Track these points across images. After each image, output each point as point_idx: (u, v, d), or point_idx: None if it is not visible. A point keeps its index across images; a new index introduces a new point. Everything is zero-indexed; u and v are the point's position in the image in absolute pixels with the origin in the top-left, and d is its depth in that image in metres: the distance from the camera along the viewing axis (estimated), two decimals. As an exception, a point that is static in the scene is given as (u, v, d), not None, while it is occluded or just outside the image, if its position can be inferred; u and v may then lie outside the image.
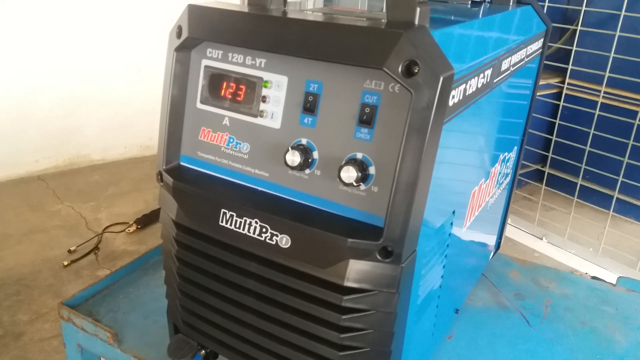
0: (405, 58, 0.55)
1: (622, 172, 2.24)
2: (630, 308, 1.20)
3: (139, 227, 2.63)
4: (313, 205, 0.66)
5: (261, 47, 0.65)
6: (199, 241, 0.73)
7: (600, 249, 2.36)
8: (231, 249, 0.70)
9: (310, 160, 0.65)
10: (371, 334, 0.65)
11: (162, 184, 0.75)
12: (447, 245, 0.79)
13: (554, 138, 2.52)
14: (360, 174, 0.61)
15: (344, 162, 0.63)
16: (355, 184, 0.61)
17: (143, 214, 2.70)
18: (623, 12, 2.13)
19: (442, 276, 0.81)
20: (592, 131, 2.30)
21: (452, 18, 0.82)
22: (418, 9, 0.59)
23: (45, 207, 2.83)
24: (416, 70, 0.55)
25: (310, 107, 0.65)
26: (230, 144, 0.72)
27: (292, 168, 0.65)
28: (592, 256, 2.39)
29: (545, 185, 2.58)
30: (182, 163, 0.76)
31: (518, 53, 0.92)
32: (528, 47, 0.99)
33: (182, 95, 0.74)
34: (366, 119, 0.61)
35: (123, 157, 3.47)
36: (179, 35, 0.70)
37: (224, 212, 0.68)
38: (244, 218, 0.67)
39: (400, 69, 0.55)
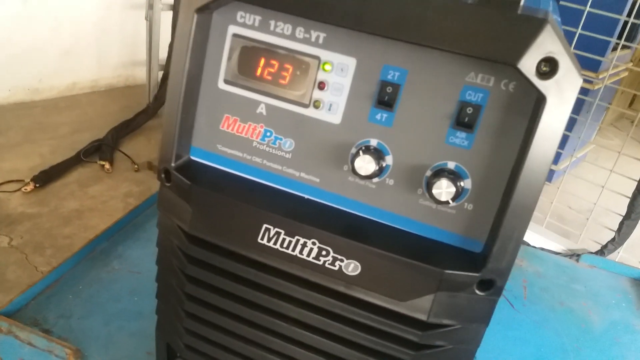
0: (545, 54, 0.44)
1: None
2: (596, 285, 1.23)
3: (37, 185, 2.31)
4: (383, 222, 0.54)
5: (328, 19, 0.50)
6: (224, 259, 0.58)
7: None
8: (271, 271, 0.56)
9: (383, 165, 0.53)
10: (445, 370, 0.56)
11: (168, 184, 0.58)
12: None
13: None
14: (456, 189, 0.49)
15: (430, 171, 0.51)
16: (451, 201, 0.50)
17: (40, 170, 2.37)
18: None
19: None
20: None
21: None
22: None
23: None
24: (557, 70, 0.44)
25: (388, 100, 0.51)
26: (266, 139, 0.57)
27: (362, 177, 0.52)
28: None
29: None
30: (192, 157, 0.60)
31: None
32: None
33: (198, 72, 0.57)
34: (467, 121, 0.49)
35: (7, 101, 3.01)
36: (202, -9, 0.53)
37: (267, 227, 0.54)
38: (296, 237, 0.53)
39: (535, 67, 0.44)
